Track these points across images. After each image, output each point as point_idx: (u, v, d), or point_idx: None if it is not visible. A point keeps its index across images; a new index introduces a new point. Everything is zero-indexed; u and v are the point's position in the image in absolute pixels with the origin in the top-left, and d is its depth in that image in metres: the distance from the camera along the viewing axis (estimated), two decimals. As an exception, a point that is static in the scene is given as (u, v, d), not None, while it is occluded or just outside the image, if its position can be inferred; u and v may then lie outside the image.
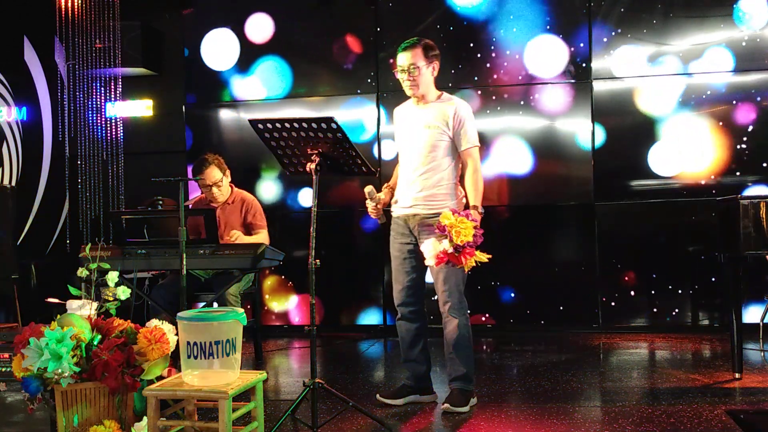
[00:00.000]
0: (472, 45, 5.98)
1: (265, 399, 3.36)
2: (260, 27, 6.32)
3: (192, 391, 2.64)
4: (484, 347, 5.51)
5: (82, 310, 2.94)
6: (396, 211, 3.82)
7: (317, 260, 3.31)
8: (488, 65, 5.97)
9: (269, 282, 6.30)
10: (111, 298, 2.98)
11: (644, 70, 5.78)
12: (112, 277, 3.01)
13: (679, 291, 5.75)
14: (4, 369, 3.03)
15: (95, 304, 2.96)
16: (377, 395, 3.81)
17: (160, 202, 5.77)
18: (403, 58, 3.70)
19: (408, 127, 3.80)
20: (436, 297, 3.74)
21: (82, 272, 3.03)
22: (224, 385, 2.63)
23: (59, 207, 6.92)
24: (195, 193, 5.65)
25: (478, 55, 5.98)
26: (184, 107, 6.50)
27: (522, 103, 5.92)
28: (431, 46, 3.75)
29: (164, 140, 6.76)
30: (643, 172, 5.78)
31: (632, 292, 5.81)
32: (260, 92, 6.35)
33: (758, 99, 5.64)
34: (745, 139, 5.66)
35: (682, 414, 3.46)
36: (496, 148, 5.92)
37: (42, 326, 2.73)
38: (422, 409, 3.69)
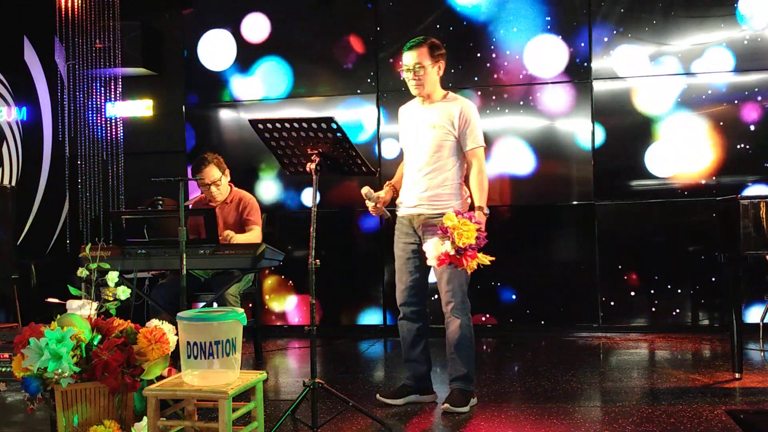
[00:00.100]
0: (472, 45, 5.98)
1: (265, 399, 3.36)
2: (257, 27, 6.32)
3: (192, 391, 2.64)
4: (485, 347, 5.52)
5: (82, 310, 2.94)
6: (400, 210, 3.83)
7: (317, 260, 3.31)
8: (488, 65, 5.97)
9: (269, 282, 6.30)
10: (111, 298, 2.98)
11: (644, 69, 5.78)
12: (112, 277, 3.01)
13: (679, 291, 5.75)
14: (4, 369, 3.03)
15: (95, 304, 2.96)
16: (377, 395, 3.81)
17: (160, 202, 5.77)
18: (409, 57, 3.69)
19: (413, 127, 3.79)
20: (436, 297, 3.74)
21: (82, 272, 3.03)
22: (224, 385, 2.63)
23: (59, 207, 6.92)
24: (195, 193, 5.65)
25: (478, 55, 5.98)
26: (184, 107, 6.51)
27: (522, 103, 5.92)
28: (437, 45, 3.74)
29: (164, 140, 6.75)
30: (643, 172, 5.77)
31: (632, 292, 5.81)
32: (260, 92, 6.35)
33: (759, 99, 5.64)
34: (745, 139, 5.66)
35: (682, 414, 3.46)
36: (495, 148, 5.92)
37: (42, 326, 2.72)
38: (422, 409, 3.69)
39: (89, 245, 4.20)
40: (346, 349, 5.64)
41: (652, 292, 5.78)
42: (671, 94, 5.75)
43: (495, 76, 5.97)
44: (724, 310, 5.60)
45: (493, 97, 5.96)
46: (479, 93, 5.96)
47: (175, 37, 6.66)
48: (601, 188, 5.84)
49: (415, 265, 3.76)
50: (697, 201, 5.69)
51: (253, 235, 4.75)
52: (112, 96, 6.69)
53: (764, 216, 3.89)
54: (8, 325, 5.00)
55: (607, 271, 5.83)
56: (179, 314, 2.71)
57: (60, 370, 2.65)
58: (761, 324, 4.61)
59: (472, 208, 3.66)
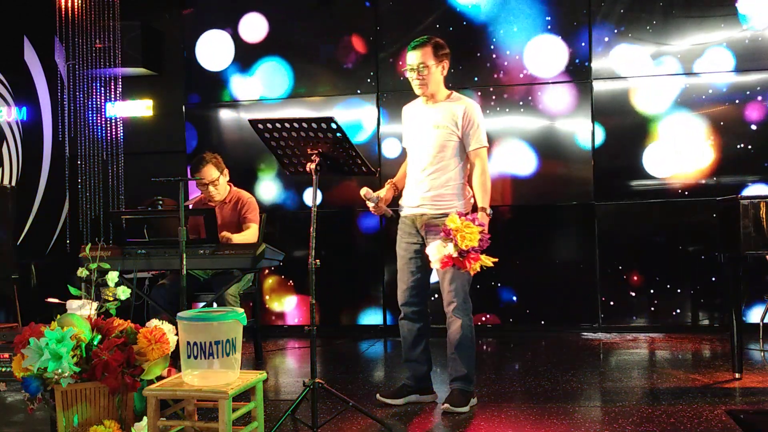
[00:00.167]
0: (472, 45, 5.98)
1: (265, 399, 3.36)
2: (255, 27, 6.32)
3: (192, 391, 2.64)
4: (485, 347, 5.52)
5: (82, 310, 2.94)
6: (403, 210, 3.82)
7: (317, 260, 3.31)
8: (488, 65, 5.97)
9: (269, 282, 6.30)
10: (111, 298, 2.98)
11: (644, 69, 5.78)
12: (112, 277, 3.01)
13: (679, 291, 5.75)
14: (4, 369, 3.03)
15: (95, 304, 2.96)
16: (377, 395, 3.81)
17: (160, 202, 5.77)
18: (413, 57, 3.68)
19: (417, 127, 3.78)
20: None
21: (82, 272, 3.03)
22: (224, 385, 2.63)
23: (59, 207, 6.92)
24: (195, 193, 5.65)
25: (478, 55, 5.98)
26: (184, 107, 6.51)
27: (522, 103, 5.92)
28: (441, 44, 3.72)
29: (164, 140, 6.75)
30: (643, 172, 5.78)
31: (632, 292, 5.81)
32: (260, 92, 6.35)
33: (759, 99, 5.64)
34: (745, 139, 5.66)
35: (682, 414, 3.46)
36: (495, 148, 5.91)
37: (42, 326, 2.72)
38: (422, 409, 3.69)
39: (89, 245, 4.20)
40: (346, 349, 5.64)
41: (652, 292, 5.78)
42: (671, 94, 5.75)
43: (495, 76, 5.97)
44: (724, 310, 5.60)
45: (493, 97, 5.96)
46: (479, 93, 5.96)
47: (175, 37, 6.66)
48: (601, 188, 5.84)
49: (417, 265, 3.75)
50: (697, 201, 5.69)
51: (250, 233, 4.75)
52: (112, 96, 6.69)
53: (764, 216, 3.89)
54: (8, 325, 4.99)
55: (607, 271, 5.83)
56: (179, 314, 2.71)
57: (60, 370, 2.65)
58: (761, 324, 4.62)
59: (475, 208, 3.66)
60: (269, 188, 6.32)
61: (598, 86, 5.84)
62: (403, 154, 3.91)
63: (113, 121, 6.74)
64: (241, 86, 6.37)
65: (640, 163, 5.78)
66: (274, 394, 4.11)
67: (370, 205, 3.72)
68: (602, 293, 5.83)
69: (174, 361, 2.84)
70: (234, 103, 6.41)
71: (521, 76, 5.94)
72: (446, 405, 3.58)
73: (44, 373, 2.67)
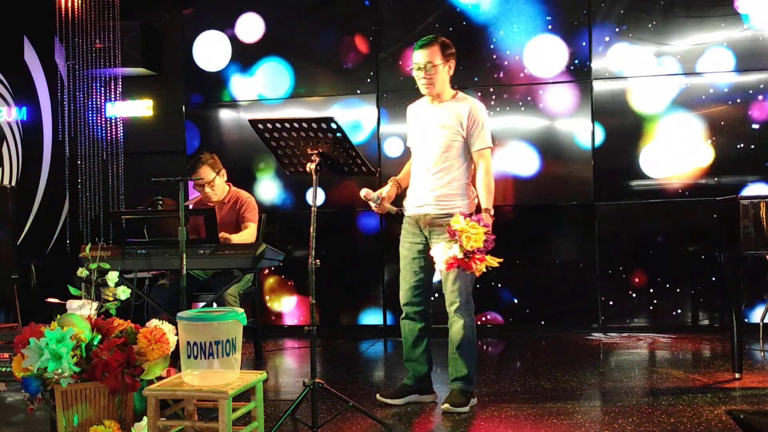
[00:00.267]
0: (472, 45, 5.98)
1: (265, 399, 3.36)
2: (252, 27, 6.32)
3: (192, 391, 2.64)
4: (485, 347, 5.51)
5: (82, 310, 2.94)
6: (407, 210, 3.82)
7: (317, 260, 3.31)
8: (488, 65, 5.97)
9: (269, 282, 6.30)
10: (111, 298, 2.98)
11: (645, 69, 5.78)
12: (112, 277, 3.01)
13: (679, 291, 5.75)
14: (4, 369, 3.03)
15: (95, 304, 2.96)
16: (377, 395, 3.81)
17: (160, 202, 5.77)
18: (420, 56, 3.66)
19: (422, 126, 3.77)
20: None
21: (82, 272, 3.03)
22: (224, 385, 2.63)
23: (59, 207, 6.92)
24: (195, 194, 5.64)
25: (479, 55, 5.98)
26: (184, 107, 6.51)
27: (522, 103, 5.92)
28: (448, 44, 3.71)
29: (164, 140, 6.76)
30: (643, 172, 5.77)
31: (632, 292, 5.81)
32: (260, 92, 6.35)
33: (759, 98, 5.64)
34: (746, 138, 5.65)
35: (682, 414, 3.46)
36: (495, 148, 5.91)
37: (42, 326, 2.72)
38: (422, 409, 3.69)
39: (89, 245, 4.19)
40: (346, 349, 5.64)
41: (652, 292, 5.78)
42: (671, 94, 5.75)
43: (495, 76, 5.97)
44: (724, 310, 5.60)
45: (493, 97, 5.96)
46: (479, 93, 5.95)
47: (174, 37, 6.66)
48: (601, 188, 5.84)
49: (420, 265, 3.75)
50: (696, 201, 5.69)
51: (248, 232, 4.75)
52: (112, 96, 6.69)
53: (764, 216, 3.89)
54: (8, 325, 4.99)
55: (607, 271, 5.83)
56: (179, 314, 2.71)
57: (60, 370, 2.65)
58: (761, 324, 4.61)
59: (478, 209, 3.65)
60: (269, 188, 6.32)
61: (599, 86, 5.84)
62: (405, 154, 3.92)
63: (113, 121, 6.74)
64: (241, 86, 6.37)
65: (640, 163, 5.77)
66: (274, 394, 4.11)
67: (372, 204, 3.72)
68: (602, 293, 5.83)
69: (174, 361, 2.84)
70: (234, 103, 6.41)
71: (521, 76, 5.93)
72: (446, 405, 3.58)
73: (44, 373, 2.67)
